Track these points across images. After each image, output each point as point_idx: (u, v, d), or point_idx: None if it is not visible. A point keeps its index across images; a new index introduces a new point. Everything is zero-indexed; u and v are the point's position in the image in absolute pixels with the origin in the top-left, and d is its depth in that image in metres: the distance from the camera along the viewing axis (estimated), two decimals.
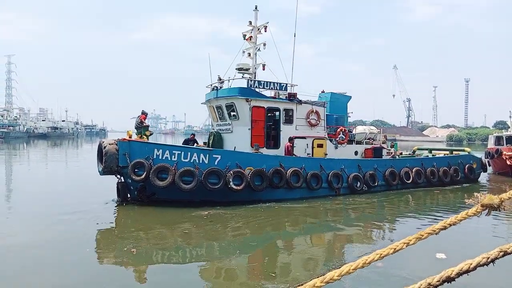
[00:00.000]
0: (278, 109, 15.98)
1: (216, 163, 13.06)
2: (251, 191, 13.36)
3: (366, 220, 12.48)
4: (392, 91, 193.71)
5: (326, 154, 16.94)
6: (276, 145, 15.82)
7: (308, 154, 16.34)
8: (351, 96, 20.52)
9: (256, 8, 17.07)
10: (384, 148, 19.41)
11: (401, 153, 22.95)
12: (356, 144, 18.74)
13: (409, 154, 24.91)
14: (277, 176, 13.87)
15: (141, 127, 14.53)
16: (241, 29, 17.36)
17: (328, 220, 12.56)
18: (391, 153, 19.16)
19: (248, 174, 13.21)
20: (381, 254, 1.70)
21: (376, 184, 16.72)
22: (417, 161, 19.41)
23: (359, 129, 19.24)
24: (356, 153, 18.24)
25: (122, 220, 12.06)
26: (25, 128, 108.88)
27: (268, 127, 15.96)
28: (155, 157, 12.97)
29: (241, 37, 17.02)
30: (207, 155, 13.12)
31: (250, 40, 17.08)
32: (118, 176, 13.91)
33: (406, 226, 11.93)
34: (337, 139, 17.54)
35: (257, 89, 15.66)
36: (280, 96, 16.28)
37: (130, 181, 13.42)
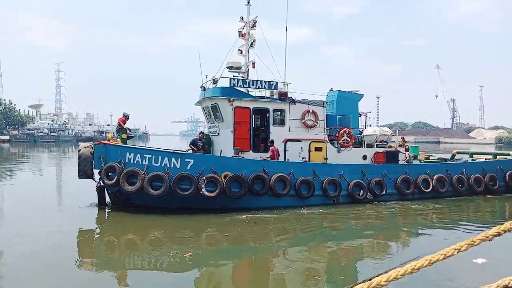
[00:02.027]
0: (267, 110, 14.61)
1: (188, 168, 12.02)
2: (228, 198, 12.15)
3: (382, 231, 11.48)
4: (435, 91, 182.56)
5: (326, 159, 15.29)
6: (267, 149, 14.46)
7: (303, 158, 14.80)
8: (362, 94, 18.61)
9: (248, 2, 15.90)
10: (401, 152, 17.31)
11: (427, 158, 20.57)
12: (366, 147, 16.88)
13: (439, 158, 22.40)
14: (258, 183, 12.52)
15: (120, 130, 13.87)
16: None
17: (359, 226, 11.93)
18: (406, 157, 16.99)
19: (224, 180, 12.02)
20: (430, 260, 1.67)
21: (384, 192, 14.80)
22: (440, 167, 17.06)
23: (368, 130, 17.26)
24: (364, 157, 16.37)
25: (158, 225, 11.24)
26: (73, 132, 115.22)
27: (257, 129, 14.67)
28: (127, 160, 12.23)
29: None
30: (179, 159, 12.11)
31: (244, 36, 15.93)
32: (97, 180, 13.32)
33: (425, 238, 10.78)
34: (340, 141, 15.81)
35: (242, 88, 14.40)
36: (275, 96, 14.93)
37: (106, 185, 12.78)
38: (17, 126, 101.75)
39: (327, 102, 16.07)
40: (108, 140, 13.47)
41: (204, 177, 11.83)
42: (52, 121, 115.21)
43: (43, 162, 36.58)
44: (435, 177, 15.94)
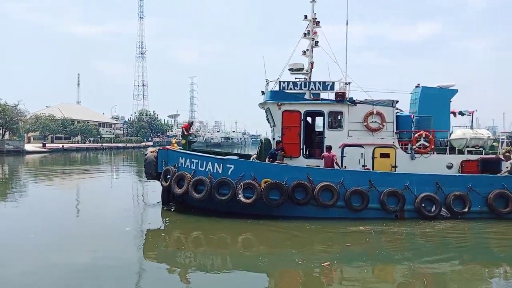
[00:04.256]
0: (322, 113, 13.63)
1: (229, 173, 12.09)
2: (268, 206, 11.77)
3: None
4: None
5: (394, 167, 13.44)
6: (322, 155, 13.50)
7: (364, 166, 13.30)
8: (456, 90, 15.67)
9: None
10: (503, 161, 14.04)
11: None
12: (457, 153, 14.21)
13: None
14: (300, 191, 11.77)
15: (183, 136, 14.92)
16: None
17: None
18: (508, 168, 13.62)
19: (263, 187, 11.69)
20: None
21: (467, 209, 12.22)
22: None
23: (456, 133, 14.46)
24: (449, 166, 13.82)
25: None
26: (204, 139, 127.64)
27: (311, 134, 13.84)
28: (179, 165, 13.03)
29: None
30: (221, 164, 12.29)
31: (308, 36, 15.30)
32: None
33: None
34: (415, 147, 13.67)
35: (291, 91, 13.72)
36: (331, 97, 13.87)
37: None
38: (159, 134, 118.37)
39: (397, 102, 14.06)
40: (172, 145, 14.65)
41: (242, 183, 11.75)
42: None
43: None
44: None
